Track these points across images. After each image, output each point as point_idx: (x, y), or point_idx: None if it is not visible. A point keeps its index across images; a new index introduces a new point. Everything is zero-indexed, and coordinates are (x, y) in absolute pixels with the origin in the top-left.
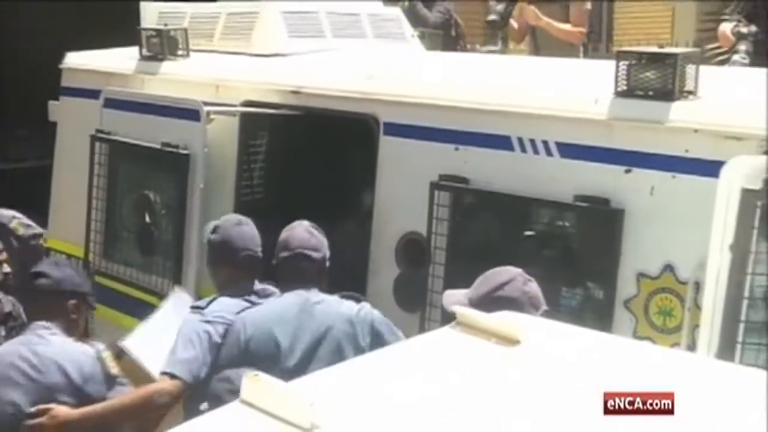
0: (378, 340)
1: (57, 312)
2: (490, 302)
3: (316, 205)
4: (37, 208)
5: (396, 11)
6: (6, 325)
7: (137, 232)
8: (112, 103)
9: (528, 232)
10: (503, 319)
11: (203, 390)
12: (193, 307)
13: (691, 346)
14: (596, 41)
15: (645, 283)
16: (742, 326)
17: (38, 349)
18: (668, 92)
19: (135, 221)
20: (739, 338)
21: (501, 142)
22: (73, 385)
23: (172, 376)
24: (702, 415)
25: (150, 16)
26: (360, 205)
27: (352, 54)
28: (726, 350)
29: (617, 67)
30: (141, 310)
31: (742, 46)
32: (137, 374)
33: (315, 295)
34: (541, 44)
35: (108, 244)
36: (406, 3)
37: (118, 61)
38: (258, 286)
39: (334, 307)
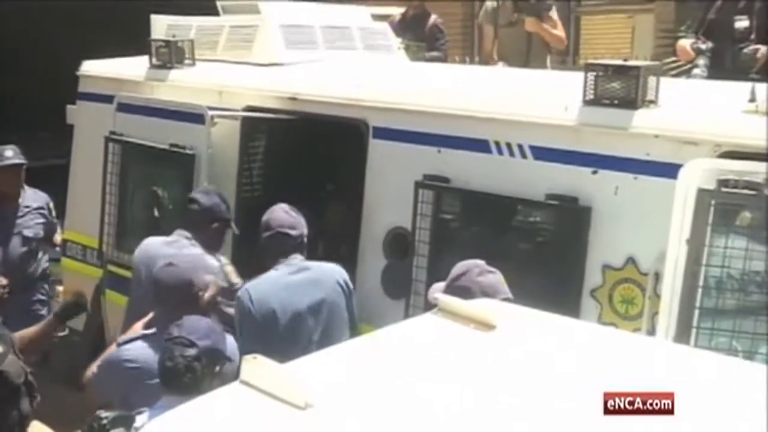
0: (348, 287)
1: (201, 230)
2: (450, 292)
3: (310, 201)
4: (56, 202)
5: (383, 25)
6: None
7: (146, 224)
8: (125, 108)
9: (503, 228)
10: (481, 306)
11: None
12: None
13: (651, 331)
14: (564, 54)
15: (609, 274)
16: (697, 312)
17: (182, 251)
18: (631, 101)
19: (144, 215)
20: (695, 323)
21: (479, 145)
22: None
23: None
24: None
25: (159, 28)
26: (350, 202)
27: (344, 64)
28: (682, 334)
29: (585, 78)
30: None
31: (701, 61)
32: None
33: (298, 260)
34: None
35: (120, 235)
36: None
37: (130, 69)
38: None
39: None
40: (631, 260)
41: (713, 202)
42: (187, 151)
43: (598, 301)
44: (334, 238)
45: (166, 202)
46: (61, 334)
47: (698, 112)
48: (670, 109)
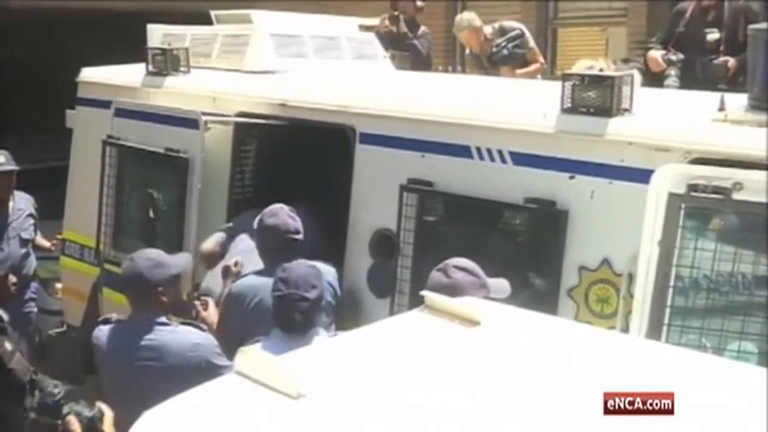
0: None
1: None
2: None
3: (300, 203)
4: (55, 203)
5: (370, 35)
6: None
7: (142, 225)
8: (122, 113)
9: (484, 230)
10: (466, 304)
11: None
12: None
13: (625, 329)
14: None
15: (585, 275)
16: (668, 311)
17: None
18: (607, 109)
19: (140, 216)
20: (666, 321)
21: (462, 151)
22: None
23: None
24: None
25: (155, 37)
26: (338, 204)
27: (332, 72)
28: (654, 331)
29: (563, 87)
30: None
31: (672, 71)
32: None
33: None
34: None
35: (116, 235)
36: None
37: (127, 75)
38: None
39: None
40: (606, 261)
41: (683, 205)
42: (182, 155)
43: (575, 301)
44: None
45: (160, 203)
46: (58, 330)
47: (670, 120)
48: (644, 117)
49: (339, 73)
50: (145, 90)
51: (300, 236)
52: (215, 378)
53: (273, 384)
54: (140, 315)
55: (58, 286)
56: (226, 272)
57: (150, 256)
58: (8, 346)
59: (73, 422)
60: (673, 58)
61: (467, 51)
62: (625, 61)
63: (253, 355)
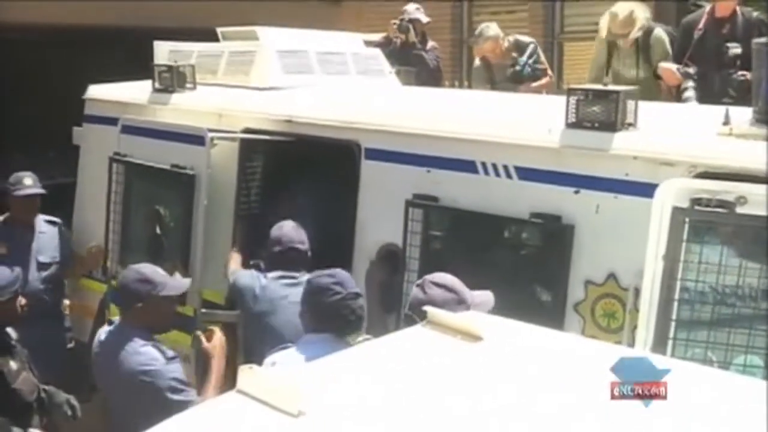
0: None
1: None
2: None
3: (306, 218)
4: (63, 219)
5: (376, 51)
6: None
7: (149, 241)
8: (128, 130)
9: (490, 244)
10: (468, 319)
11: None
12: None
13: (631, 344)
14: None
15: (591, 289)
16: (673, 324)
17: None
18: (611, 124)
19: (147, 232)
20: (671, 335)
21: (467, 166)
22: None
23: None
24: None
25: (162, 54)
26: (344, 219)
27: (337, 88)
28: (659, 345)
29: (568, 101)
30: None
31: (690, 84)
32: None
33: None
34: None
35: (123, 251)
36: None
37: (133, 92)
38: None
39: None
40: (612, 276)
41: (687, 219)
42: (188, 172)
43: (581, 315)
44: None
45: (167, 219)
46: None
47: (675, 134)
48: (648, 131)
49: (344, 88)
50: (152, 107)
51: (303, 246)
52: (166, 410)
53: (273, 402)
54: (122, 325)
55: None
56: None
57: (141, 270)
58: (13, 365)
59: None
60: (690, 71)
61: (476, 63)
62: None
63: (253, 373)
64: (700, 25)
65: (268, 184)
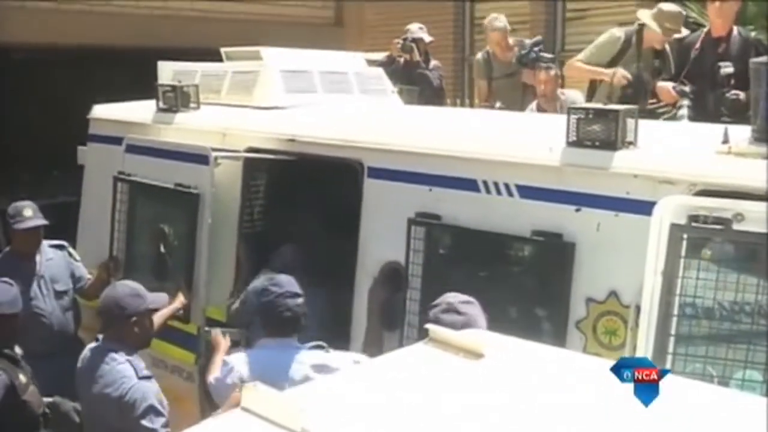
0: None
1: None
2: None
3: (308, 237)
4: (68, 238)
5: (378, 71)
6: None
7: (153, 260)
8: (133, 149)
9: (492, 262)
10: (469, 336)
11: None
12: None
13: None
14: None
15: (593, 307)
16: (672, 339)
17: None
18: (612, 142)
19: (151, 251)
20: (670, 350)
21: (468, 185)
22: None
23: None
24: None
25: (166, 74)
26: (347, 238)
27: (340, 107)
28: (658, 360)
29: (568, 120)
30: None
31: (685, 102)
32: None
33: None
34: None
35: (128, 270)
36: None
37: (138, 112)
38: None
39: None
40: (613, 293)
41: (685, 236)
42: (192, 190)
43: (583, 333)
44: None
45: (171, 238)
46: None
47: (674, 152)
48: (648, 150)
49: (347, 108)
50: (156, 126)
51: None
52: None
53: (277, 419)
54: (108, 342)
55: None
56: None
57: (130, 285)
58: (22, 378)
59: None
60: (686, 89)
61: (477, 56)
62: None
63: (257, 391)
64: (697, 44)
65: (271, 202)
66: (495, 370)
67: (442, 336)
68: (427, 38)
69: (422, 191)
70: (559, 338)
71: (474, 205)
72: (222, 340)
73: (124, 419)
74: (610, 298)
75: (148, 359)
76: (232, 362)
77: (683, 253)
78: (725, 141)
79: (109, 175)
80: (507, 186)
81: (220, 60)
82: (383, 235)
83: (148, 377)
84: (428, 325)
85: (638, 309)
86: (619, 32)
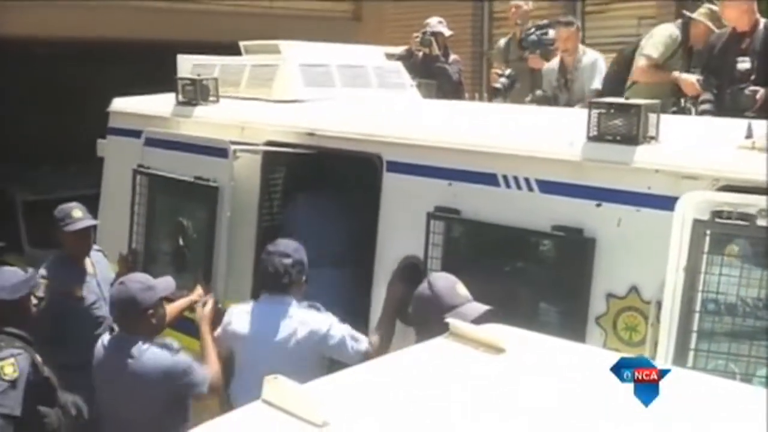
0: None
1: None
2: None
3: (327, 231)
4: None
5: (397, 64)
6: None
7: (172, 253)
8: (152, 142)
9: (511, 257)
10: (490, 331)
11: None
12: None
13: (654, 357)
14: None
15: (613, 303)
16: (694, 336)
17: None
18: (633, 137)
19: (170, 244)
20: (692, 346)
21: (488, 179)
22: None
23: None
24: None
25: (185, 67)
26: (365, 232)
27: (359, 101)
28: (680, 357)
29: (589, 115)
30: (176, 322)
31: (708, 96)
32: None
33: None
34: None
35: (147, 263)
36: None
37: (157, 105)
38: None
39: None
40: (634, 289)
41: (708, 232)
42: (211, 184)
43: (603, 329)
44: (349, 266)
45: (190, 231)
46: None
47: (697, 147)
48: (670, 144)
49: (366, 102)
50: (175, 119)
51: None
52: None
53: (298, 412)
54: (126, 335)
55: None
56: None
57: (140, 279)
58: (38, 357)
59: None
60: (711, 81)
61: (500, 42)
62: None
63: (278, 384)
64: (723, 39)
65: (290, 196)
66: (516, 365)
67: (462, 330)
68: (447, 32)
69: (441, 185)
70: (579, 334)
71: (494, 199)
72: (201, 309)
73: (171, 386)
74: (631, 294)
75: None
76: (230, 315)
77: (706, 249)
78: (748, 136)
79: (129, 168)
80: (527, 180)
81: (239, 54)
82: (402, 230)
83: (179, 350)
84: (449, 320)
85: (659, 305)
86: (675, 30)
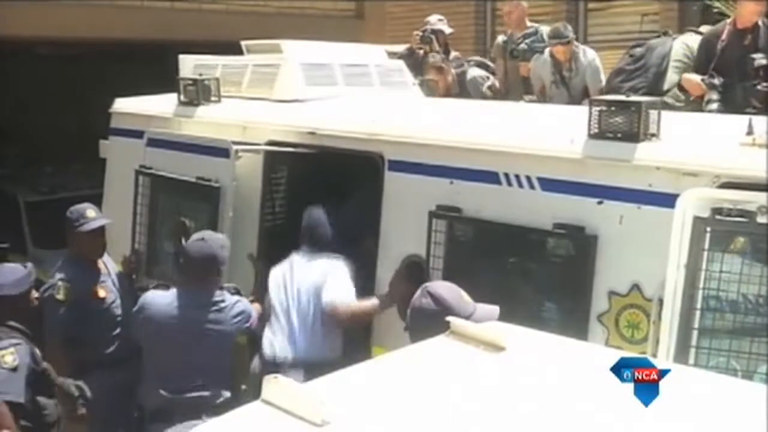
0: None
1: None
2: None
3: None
4: None
5: (399, 63)
6: None
7: (174, 252)
8: (154, 142)
9: (513, 255)
10: (490, 329)
11: None
12: None
13: (656, 354)
14: None
15: (615, 300)
16: (695, 333)
17: None
18: (634, 135)
19: (173, 243)
20: (693, 343)
21: (490, 177)
22: None
23: None
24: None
25: (187, 67)
26: (367, 231)
27: (361, 100)
28: (681, 354)
29: (590, 112)
30: None
31: (714, 96)
32: None
33: None
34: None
35: (149, 262)
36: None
37: (159, 105)
38: None
39: None
40: (635, 286)
41: (708, 229)
42: (213, 184)
43: (605, 326)
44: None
45: (193, 231)
46: None
47: (697, 144)
48: (671, 142)
49: (368, 100)
50: (177, 120)
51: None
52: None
53: (297, 411)
54: (204, 288)
55: None
56: None
57: (219, 237)
58: (37, 351)
59: None
60: (715, 82)
61: (498, 38)
62: None
63: (277, 383)
64: (723, 36)
65: (292, 196)
66: (516, 363)
67: (463, 329)
68: (447, 30)
69: (443, 184)
70: (581, 331)
71: (495, 197)
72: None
73: (242, 326)
74: (633, 292)
75: None
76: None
77: (707, 246)
78: (749, 132)
79: (131, 169)
80: (528, 178)
81: (241, 53)
82: (404, 228)
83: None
84: (450, 318)
85: (661, 302)
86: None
